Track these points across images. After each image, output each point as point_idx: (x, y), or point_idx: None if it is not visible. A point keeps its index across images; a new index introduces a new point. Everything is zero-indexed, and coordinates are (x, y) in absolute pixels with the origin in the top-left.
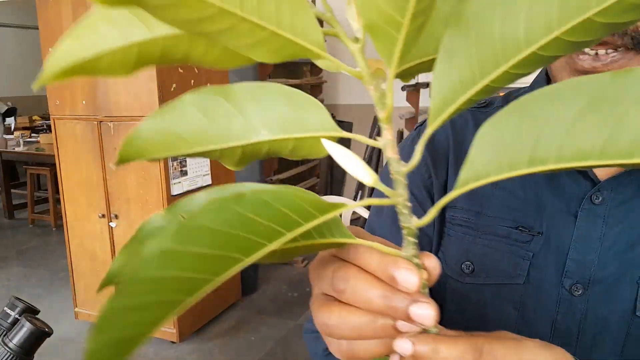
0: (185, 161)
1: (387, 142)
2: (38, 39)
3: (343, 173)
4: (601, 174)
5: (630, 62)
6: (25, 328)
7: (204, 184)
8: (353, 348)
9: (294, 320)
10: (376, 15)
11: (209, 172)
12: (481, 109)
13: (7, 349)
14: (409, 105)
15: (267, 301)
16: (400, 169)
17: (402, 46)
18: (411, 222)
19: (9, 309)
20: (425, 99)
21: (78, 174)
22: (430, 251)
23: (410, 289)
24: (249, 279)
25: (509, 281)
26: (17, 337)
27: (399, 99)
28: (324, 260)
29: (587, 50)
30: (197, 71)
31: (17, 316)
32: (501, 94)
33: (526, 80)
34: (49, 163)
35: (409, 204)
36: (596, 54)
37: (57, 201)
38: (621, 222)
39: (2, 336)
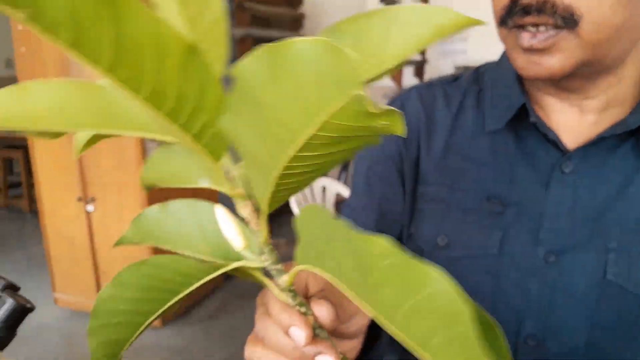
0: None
1: (247, 216)
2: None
3: None
4: (570, 144)
5: (562, 40)
6: (7, 304)
7: None
8: None
9: None
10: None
11: None
12: (451, 83)
13: None
14: (393, 84)
15: (249, 285)
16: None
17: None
18: (279, 282)
19: None
20: (408, 77)
21: (52, 156)
22: (402, 229)
23: (300, 343)
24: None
25: (483, 252)
26: (0, 312)
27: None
28: (258, 302)
29: (527, 28)
30: None
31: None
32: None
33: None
34: (20, 146)
35: (278, 266)
36: (535, 32)
37: (31, 185)
38: (590, 190)
39: None
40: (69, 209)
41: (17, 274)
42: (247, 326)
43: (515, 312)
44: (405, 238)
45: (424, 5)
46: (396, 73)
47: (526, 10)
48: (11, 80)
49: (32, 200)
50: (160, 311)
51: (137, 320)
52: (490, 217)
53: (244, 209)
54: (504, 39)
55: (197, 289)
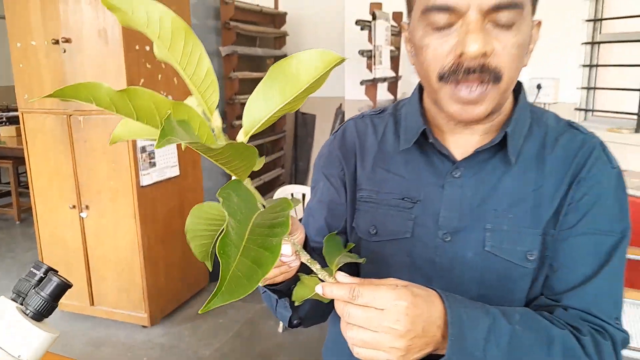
0: (154, 153)
1: None
2: (5, 29)
3: (307, 163)
4: (458, 157)
5: (489, 92)
6: (53, 281)
7: (172, 175)
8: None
9: (259, 304)
10: None
11: (177, 163)
12: (377, 115)
13: (41, 296)
14: (368, 98)
15: None
16: None
17: None
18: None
19: (35, 269)
20: (382, 92)
21: (47, 166)
22: (346, 224)
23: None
24: (216, 265)
25: (402, 237)
26: (47, 288)
27: (358, 93)
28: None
29: (465, 85)
30: (163, 66)
31: (42, 274)
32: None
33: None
34: (11, 156)
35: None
36: (470, 88)
37: (20, 194)
38: (472, 188)
39: (34, 288)
40: (63, 215)
41: (9, 280)
42: (231, 325)
43: (426, 277)
44: (349, 230)
45: (317, 50)
46: (372, 89)
47: (469, 71)
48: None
49: (21, 209)
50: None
51: (209, 233)
52: (405, 211)
53: None
54: (439, 89)
55: (183, 290)
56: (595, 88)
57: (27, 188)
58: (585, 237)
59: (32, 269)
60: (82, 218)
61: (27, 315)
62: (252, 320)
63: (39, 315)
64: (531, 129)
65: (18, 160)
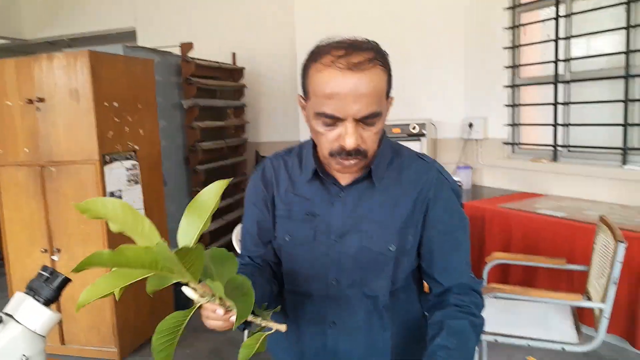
0: (121, 197)
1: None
2: None
3: None
4: (343, 183)
5: (359, 162)
6: (59, 276)
7: None
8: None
9: (225, 334)
10: None
11: (143, 206)
12: (287, 154)
13: (51, 288)
14: None
15: (201, 320)
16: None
17: None
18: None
19: (43, 271)
20: None
21: (20, 215)
22: (272, 235)
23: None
24: (182, 299)
25: (307, 241)
26: (55, 282)
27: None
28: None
29: (344, 157)
30: (130, 119)
31: (49, 274)
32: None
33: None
34: None
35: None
36: (348, 161)
37: None
38: (351, 205)
39: (44, 282)
40: (34, 259)
41: None
42: (197, 355)
43: (325, 267)
44: (273, 240)
45: (214, 182)
46: None
47: (349, 154)
48: None
49: None
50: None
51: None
52: (308, 223)
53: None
54: (329, 159)
55: (152, 324)
56: (518, 124)
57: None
58: (441, 234)
59: (40, 271)
60: (54, 261)
61: (39, 302)
62: (218, 350)
63: (48, 302)
64: (392, 160)
65: None
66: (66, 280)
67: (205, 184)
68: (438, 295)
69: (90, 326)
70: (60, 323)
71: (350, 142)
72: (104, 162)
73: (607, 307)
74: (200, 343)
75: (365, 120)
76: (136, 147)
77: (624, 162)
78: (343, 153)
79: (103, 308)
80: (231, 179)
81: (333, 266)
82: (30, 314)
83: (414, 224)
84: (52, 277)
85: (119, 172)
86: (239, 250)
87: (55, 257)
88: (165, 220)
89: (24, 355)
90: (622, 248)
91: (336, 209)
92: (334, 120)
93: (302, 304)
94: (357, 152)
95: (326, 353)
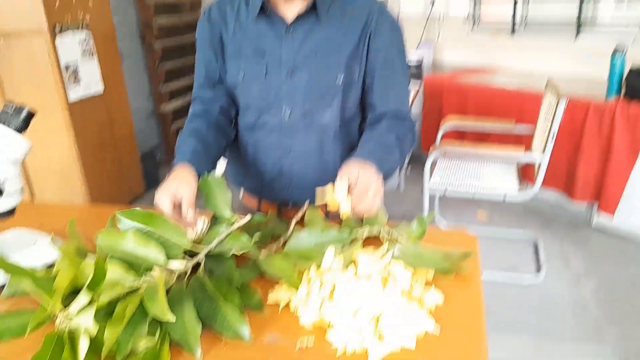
0: (77, 70)
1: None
2: None
3: None
4: (289, 20)
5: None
6: (24, 108)
7: (98, 90)
8: None
9: None
10: None
11: (100, 79)
12: None
13: (19, 119)
14: None
15: None
16: None
17: None
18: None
19: (7, 105)
20: None
21: None
22: (218, 76)
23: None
24: (150, 174)
25: (260, 77)
26: (22, 113)
27: None
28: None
29: None
30: None
31: (14, 108)
32: None
33: None
34: None
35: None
36: None
37: None
38: (299, 40)
39: (13, 113)
40: None
41: None
42: None
43: (278, 100)
44: (221, 80)
45: None
46: None
47: None
48: None
49: None
50: None
51: None
52: (259, 60)
53: None
54: None
55: (122, 196)
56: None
57: None
58: (381, 63)
59: (5, 105)
60: None
61: (10, 129)
62: None
63: (19, 131)
64: None
65: None
66: (31, 114)
67: (163, 61)
68: (374, 118)
69: (61, 196)
70: (32, 195)
71: None
72: (54, 33)
73: (545, 158)
74: None
75: None
76: (87, 16)
77: (577, 34)
78: None
79: (72, 178)
80: None
81: (286, 99)
82: (5, 140)
83: (359, 56)
84: (18, 110)
85: (71, 44)
86: None
87: None
88: (125, 94)
89: (2, 177)
90: (563, 103)
91: (285, 45)
92: None
93: (260, 137)
94: None
95: (283, 176)
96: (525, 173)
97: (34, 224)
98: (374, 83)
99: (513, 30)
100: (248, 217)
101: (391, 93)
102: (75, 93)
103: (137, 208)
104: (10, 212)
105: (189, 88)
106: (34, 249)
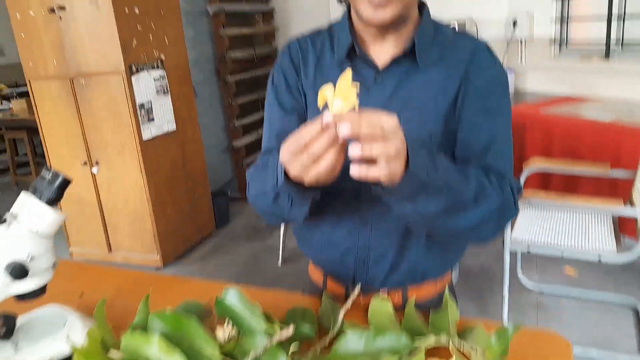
0: (151, 109)
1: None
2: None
3: None
4: (380, 65)
5: (396, 4)
6: (59, 177)
7: (170, 129)
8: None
9: (262, 242)
10: None
11: (173, 117)
12: (315, 34)
13: (52, 188)
14: None
15: (239, 230)
16: None
17: None
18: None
19: (45, 173)
20: None
21: (58, 129)
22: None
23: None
24: (221, 213)
25: None
26: (56, 182)
27: None
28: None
29: None
30: (153, 27)
31: (50, 176)
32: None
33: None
34: (25, 127)
35: None
36: None
37: (37, 164)
38: (391, 89)
39: (47, 183)
40: (76, 172)
41: None
42: (237, 260)
43: None
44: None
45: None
46: None
47: None
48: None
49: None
50: None
51: None
52: None
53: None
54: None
55: (192, 233)
56: (567, 20)
57: (43, 157)
58: (481, 115)
59: (42, 173)
60: (94, 174)
61: (41, 201)
62: (255, 256)
63: (51, 202)
64: (434, 38)
65: (31, 130)
66: (67, 181)
67: (237, 95)
68: None
69: (133, 235)
70: (106, 232)
71: None
72: (130, 73)
73: None
74: (240, 249)
75: None
76: (162, 56)
77: None
78: None
79: (144, 218)
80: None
81: None
82: (34, 213)
83: (457, 107)
84: (53, 178)
85: (146, 82)
86: None
87: (95, 170)
88: (198, 131)
89: (29, 254)
90: None
91: (373, 95)
92: None
93: (334, 202)
94: None
95: (356, 251)
96: (625, 226)
97: (73, 294)
98: (470, 137)
99: (607, 54)
100: (291, 330)
101: (492, 149)
102: (149, 132)
103: (169, 309)
104: (39, 292)
105: (262, 123)
106: (62, 333)
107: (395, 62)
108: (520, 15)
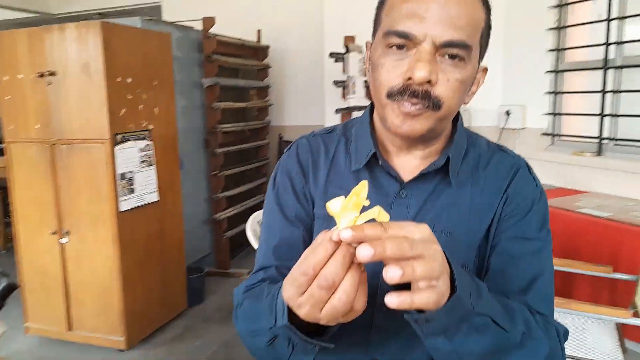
0: (133, 179)
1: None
2: None
3: None
4: (405, 178)
5: (427, 113)
6: (2, 282)
7: (152, 201)
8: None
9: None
10: None
11: (156, 189)
12: (327, 134)
13: None
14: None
15: (213, 310)
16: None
17: None
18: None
19: None
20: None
21: (30, 194)
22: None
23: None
24: (195, 290)
25: None
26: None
27: (337, 121)
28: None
29: (407, 99)
30: (144, 97)
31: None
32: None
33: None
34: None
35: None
36: (413, 104)
37: (7, 225)
38: (416, 207)
39: None
40: (44, 241)
41: None
42: (209, 346)
43: (373, 289)
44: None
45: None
46: (347, 117)
47: (414, 94)
48: None
49: (8, 238)
50: None
51: None
52: None
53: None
54: (385, 105)
55: (162, 313)
56: (559, 114)
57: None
58: (520, 244)
59: None
60: (62, 244)
61: None
62: (228, 343)
63: None
64: (467, 151)
65: (5, 190)
66: (11, 288)
67: (224, 167)
68: None
69: (97, 312)
70: (67, 308)
71: (421, 72)
72: (115, 142)
73: None
74: (210, 334)
75: (448, 51)
76: (150, 126)
77: None
78: (407, 92)
79: (111, 295)
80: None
81: (385, 290)
82: None
83: (494, 234)
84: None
85: (131, 152)
86: (252, 243)
87: (64, 240)
88: (180, 203)
89: None
90: None
91: (396, 213)
92: (405, 43)
93: (340, 333)
94: (425, 95)
95: None
96: (629, 331)
97: None
98: (508, 270)
99: (599, 151)
100: None
101: (534, 289)
102: (127, 203)
103: None
104: None
105: (247, 195)
106: None
107: (422, 176)
108: (513, 107)
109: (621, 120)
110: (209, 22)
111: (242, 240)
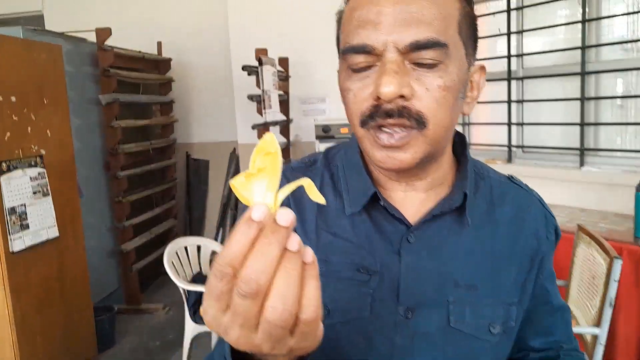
0: (26, 214)
1: None
2: None
3: (202, 212)
4: (411, 219)
5: (413, 139)
6: None
7: (51, 237)
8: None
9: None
10: None
11: (55, 223)
12: (309, 168)
13: None
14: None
15: (127, 353)
16: None
17: None
18: None
19: None
20: (275, 135)
21: None
22: None
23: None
24: (105, 333)
25: (358, 315)
26: None
27: (251, 137)
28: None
29: (385, 130)
30: (33, 118)
31: None
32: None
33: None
34: None
35: None
36: (392, 133)
37: None
38: (428, 255)
39: None
40: None
41: None
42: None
43: (384, 358)
44: None
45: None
46: (264, 132)
47: (388, 114)
48: None
49: None
50: None
51: None
52: (360, 285)
53: None
54: (362, 137)
55: None
56: (469, 124)
57: None
58: (545, 299)
59: None
60: None
61: None
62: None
63: None
64: (477, 184)
65: None
66: None
67: (129, 192)
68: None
69: None
70: None
71: (387, 87)
72: (0, 171)
73: (603, 333)
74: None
75: (420, 55)
76: (42, 151)
77: (582, 163)
78: (378, 114)
79: (3, 349)
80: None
81: (398, 357)
82: None
83: (525, 289)
84: None
85: (20, 182)
86: (172, 276)
87: None
88: (81, 236)
89: None
90: (618, 265)
91: (406, 262)
92: (366, 58)
93: None
94: (403, 113)
95: None
96: None
97: None
98: (535, 325)
99: (509, 158)
100: None
101: (556, 325)
102: (21, 242)
103: None
104: None
105: (155, 221)
106: None
107: (431, 217)
108: None
109: (529, 129)
110: (104, 33)
111: (152, 271)
